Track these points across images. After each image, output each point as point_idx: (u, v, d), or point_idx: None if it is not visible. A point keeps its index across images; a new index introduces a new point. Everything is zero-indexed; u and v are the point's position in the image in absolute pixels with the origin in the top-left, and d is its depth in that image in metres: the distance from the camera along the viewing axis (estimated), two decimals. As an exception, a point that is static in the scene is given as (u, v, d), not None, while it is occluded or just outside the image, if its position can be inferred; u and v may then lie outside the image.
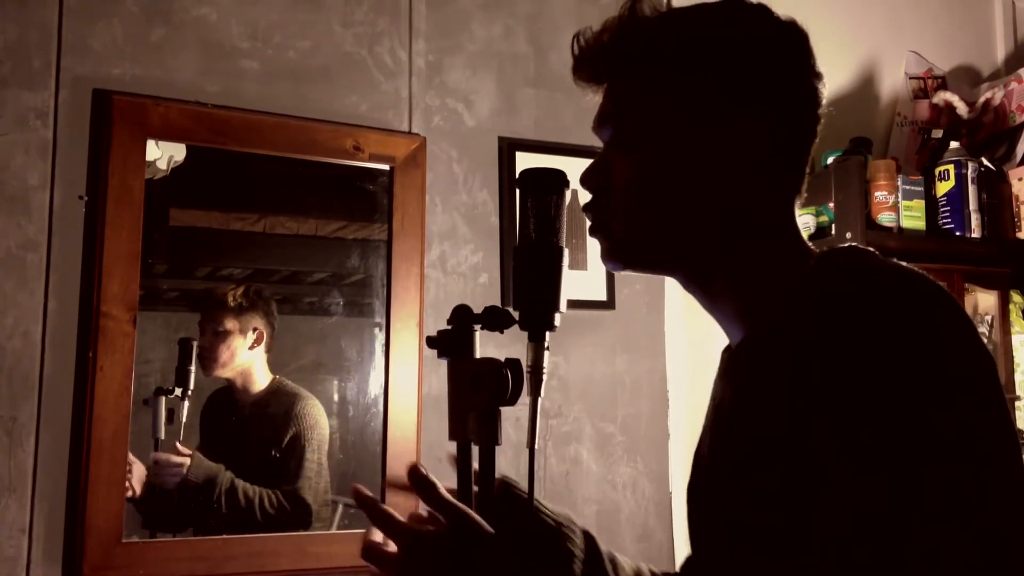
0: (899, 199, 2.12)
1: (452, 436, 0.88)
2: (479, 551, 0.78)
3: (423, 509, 0.86)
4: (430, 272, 2.06)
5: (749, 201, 0.87)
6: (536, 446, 0.86)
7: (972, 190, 2.18)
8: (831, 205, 2.14)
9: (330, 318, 2.01)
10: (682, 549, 2.18)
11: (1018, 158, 2.39)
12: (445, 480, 0.85)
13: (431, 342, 0.88)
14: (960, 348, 0.72)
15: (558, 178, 0.87)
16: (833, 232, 2.12)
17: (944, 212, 2.19)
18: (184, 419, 1.86)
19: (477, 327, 0.87)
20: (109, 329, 1.75)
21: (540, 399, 0.84)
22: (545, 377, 0.85)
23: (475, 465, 0.87)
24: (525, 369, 0.83)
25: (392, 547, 0.81)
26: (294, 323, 2.04)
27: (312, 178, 2.02)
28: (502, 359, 0.83)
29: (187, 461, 1.85)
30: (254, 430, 1.97)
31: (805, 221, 2.20)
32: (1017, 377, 2.34)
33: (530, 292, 0.85)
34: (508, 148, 2.17)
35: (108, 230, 1.77)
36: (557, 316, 0.85)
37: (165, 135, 1.85)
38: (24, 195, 1.76)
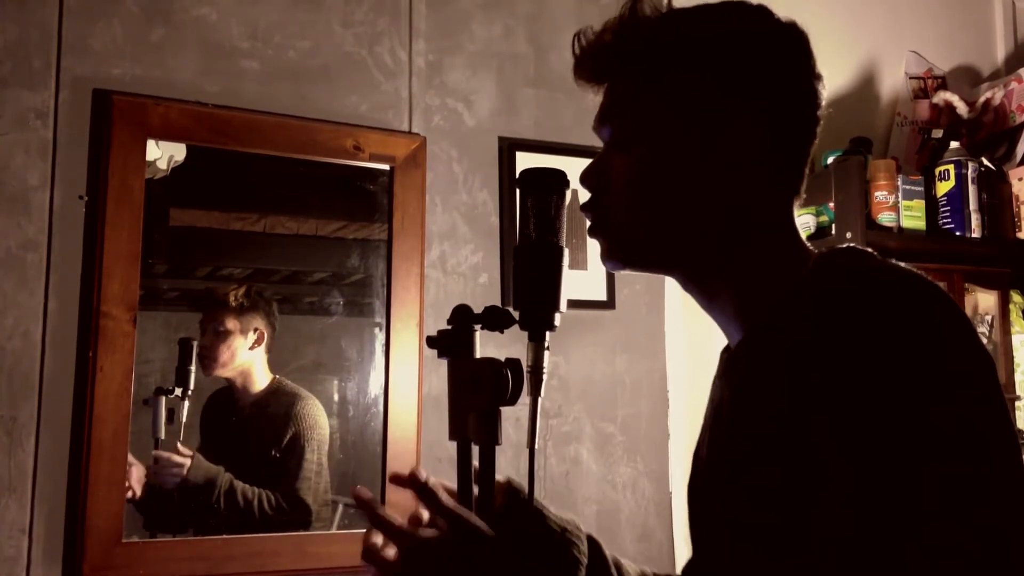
0: (899, 199, 2.13)
1: (452, 436, 0.88)
2: (480, 555, 0.78)
3: (425, 510, 0.86)
4: (430, 272, 2.06)
5: (749, 199, 0.87)
6: (536, 446, 0.86)
7: (972, 190, 2.18)
8: (831, 205, 2.14)
9: (330, 318, 2.01)
10: (682, 549, 2.18)
11: (1018, 158, 2.39)
12: (445, 482, 0.85)
13: (431, 342, 0.88)
14: (960, 345, 0.72)
15: (558, 178, 0.87)
16: (833, 232, 2.12)
17: (944, 212, 2.19)
18: (184, 419, 1.86)
19: (477, 327, 0.87)
20: (109, 329, 1.75)
21: (540, 399, 0.84)
22: (545, 377, 0.85)
23: (475, 465, 0.87)
24: (525, 369, 0.83)
25: (392, 549, 0.81)
26: (294, 323, 2.04)
27: (312, 178, 2.02)
28: (502, 359, 0.83)
29: (187, 462, 1.84)
30: (254, 430, 1.97)
31: (805, 221, 2.20)
32: (1017, 377, 2.34)
33: (530, 292, 0.85)
34: (508, 148, 2.17)
35: (108, 230, 1.77)
36: (557, 316, 0.85)
37: (165, 135, 1.85)
38: (24, 195, 1.76)
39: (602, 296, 2.21)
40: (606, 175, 0.90)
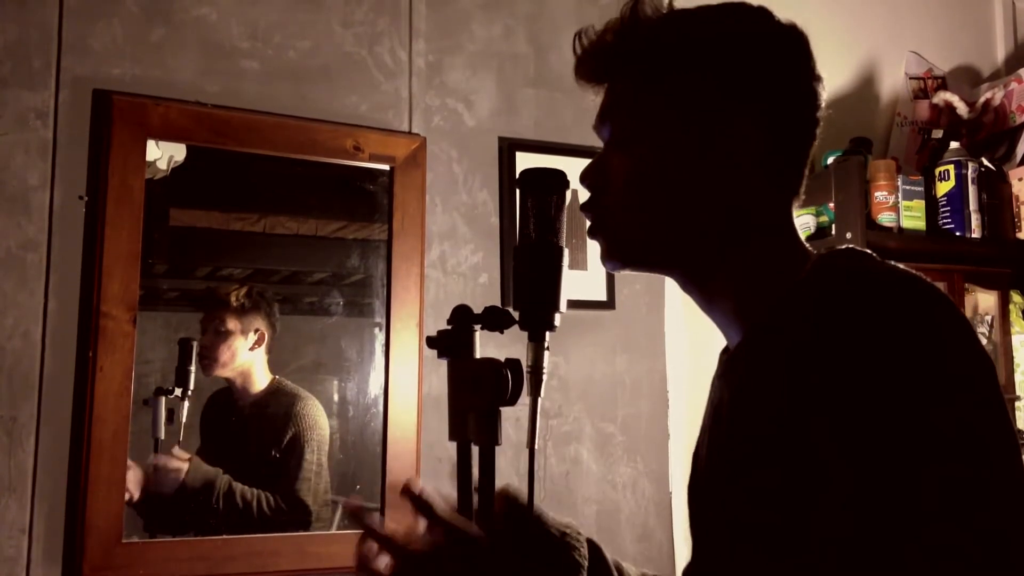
0: (899, 199, 2.12)
1: (452, 436, 0.88)
2: (478, 562, 0.78)
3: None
4: (430, 272, 2.06)
5: (749, 200, 0.87)
6: (536, 446, 0.86)
7: (972, 190, 2.18)
8: (831, 205, 2.14)
9: (330, 318, 2.01)
10: (682, 549, 2.18)
11: (1018, 158, 2.39)
12: (445, 482, 0.85)
13: (431, 342, 0.88)
14: (960, 348, 0.72)
15: (558, 178, 0.87)
16: (833, 232, 2.12)
17: (944, 212, 2.19)
18: (184, 419, 1.86)
19: (477, 327, 0.87)
20: (109, 329, 1.75)
21: (540, 399, 0.84)
22: (545, 377, 0.85)
23: (475, 476, 0.87)
24: (525, 369, 0.83)
25: (386, 558, 0.81)
26: (294, 323, 2.04)
27: (312, 178, 2.02)
28: (502, 359, 0.83)
29: (184, 466, 1.84)
30: (254, 430, 1.97)
31: (805, 221, 2.20)
32: (1017, 377, 2.34)
33: (530, 292, 0.85)
34: (508, 148, 2.17)
35: (108, 230, 1.77)
36: (557, 316, 0.85)
37: (165, 135, 1.85)
38: (24, 195, 1.76)
39: (602, 296, 2.21)
40: (605, 175, 0.90)
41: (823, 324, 0.73)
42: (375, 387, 1.99)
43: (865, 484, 0.68)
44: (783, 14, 0.90)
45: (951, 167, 2.18)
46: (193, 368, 1.88)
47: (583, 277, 2.18)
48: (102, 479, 1.71)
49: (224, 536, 1.82)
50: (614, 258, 0.91)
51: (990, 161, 2.29)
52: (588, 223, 0.92)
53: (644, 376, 2.24)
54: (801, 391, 0.72)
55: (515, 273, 0.87)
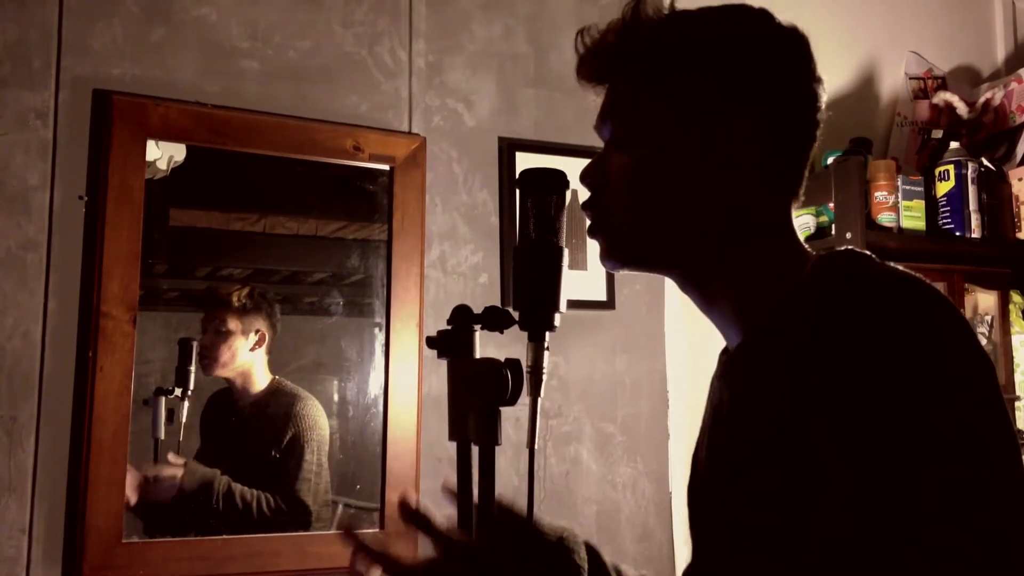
0: (899, 199, 2.12)
1: (452, 436, 0.88)
2: (478, 573, 0.78)
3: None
4: (430, 272, 2.06)
5: (749, 201, 0.87)
6: (536, 446, 0.86)
7: (972, 190, 2.18)
8: (831, 205, 2.14)
9: (330, 318, 2.01)
10: (682, 549, 2.18)
11: (1018, 158, 2.39)
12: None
13: (431, 342, 0.88)
14: (960, 348, 0.72)
15: (558, 178, 0.87)
16: (833, 232, 2.12)
17: (944, 212, 2.19)
18: (184, 419, 1.86)
19: (477, 327, 0.87)
20: (109, 329, 1.75)
21: (540, 399, 0.84)
22: (545, 377, 0.85)
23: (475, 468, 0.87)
24: (525, 369, 0.83)
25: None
26: (294, 323, 2.04)
27: (312, 178, 2.02)
28: (502, 359, 0.83)
29: (180, 471, 1.83)
30: (254, 431, 1.97)
31: (805, 221, 2.20)
32: (1017, 377, 2.34)
33: (530, 292, 0.85)
34: (508, 148, 2.17)
35: (108, 230, 1.77)
36: (557, 316, 0.85)
37: (165, 135, 1.85)
38: (24, 195, 1.76)
39: (602, 296, 2.21)
40: (606, 174, 0.90)
41: (823, 325, 0.73)
42: (375, 387, 1.99)
43: (865, 485, 0.68)
44: (783, 14, 0.90)
45: (951, 167, 2.19)
46: (193, 368, 1.87)
47: (583, 277, 2.18)
48: (102, 479, 1.71)
49: (224, 536, 1.82)
50: (613, 257, 0.91)
51: (990, 161, 2.29)
52: (588, 222, 0.92)
53: (644, 376, 2.24)
54: (801, 392, 0.72)
55: (515, 273, 0.87)
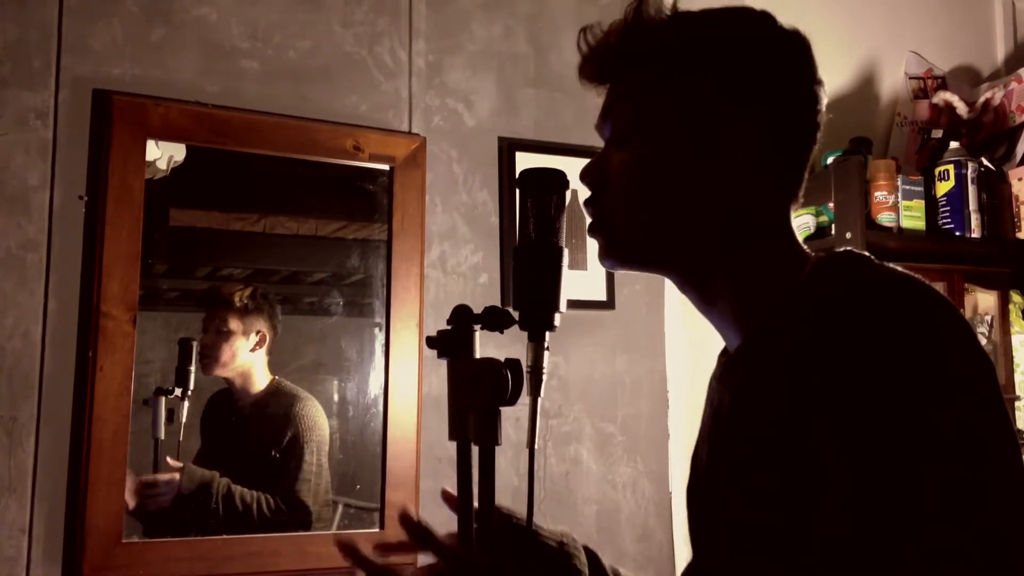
0: (899, 199, 2.12)
1: (452, 436, 0.87)
2: None
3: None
4: (430, 272, 2.06)
5: (749, 201, 0.87)
6: (536, 446, 0.85)
7: (972, 190, 2.18)
8: (831, 205, 2.14)
9: (330, 318, 2.01)
10: (682, 549, 2.18)
11: (1018, 158, 2.39)
12: (445, 482, 0.85)
13: (431, 342, 0.88)
14: (960, 349, 0.72)
15: (558, 178, 0.87)
16: (833, 232, 2.12)
17: (944, 212, 2.18)
18: (184, 419, 1.86)
19: (477, 327, 0.87)
20: (109, 329, 1.75)
21: (540, 399, 0.84)
22: (545, 377, 0.85)
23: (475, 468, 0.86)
24: (525, 369, 0.83)
25: None
26: (294, 323, 2.04)
27: (312, 178, 2.02)
28: (502, 359, 0.83)
29: (176, 476, 1.83)
30: (253, 431, 1.97)
31: (805, 221, 2.20)
32: (1017, 377, 2.34)
33: (530, 292, 0.85)
34: (508, 148, 2.17)
35: (108, 230, 1.77)
36: (557, 316, 0.85)
37: (165, 135, 1.85)
38: (24, 195, 1.76)
39: (602, 296, 2.21)
40: (606, 173, 0.90)
41: (823, 326, 0.73)
42: (375, 387, 1.99)
43: (865, 485, 0.68)
44: (783, 14, 0.90)
45: (951, 167, 2.18)
46: (193, 368, 1.87)
47: (583, 277, 2.18)
48: (102, 479, 1.71)
49: (224, 536, 1.82)
50: (612, 256, 0.91)
51: (990, 161, 2.29)
52: (588, 220, 0.93)
53: (644, 376, 2.24)
54: (801, 393, 0.72)
55: (515, 273, 0.87)
